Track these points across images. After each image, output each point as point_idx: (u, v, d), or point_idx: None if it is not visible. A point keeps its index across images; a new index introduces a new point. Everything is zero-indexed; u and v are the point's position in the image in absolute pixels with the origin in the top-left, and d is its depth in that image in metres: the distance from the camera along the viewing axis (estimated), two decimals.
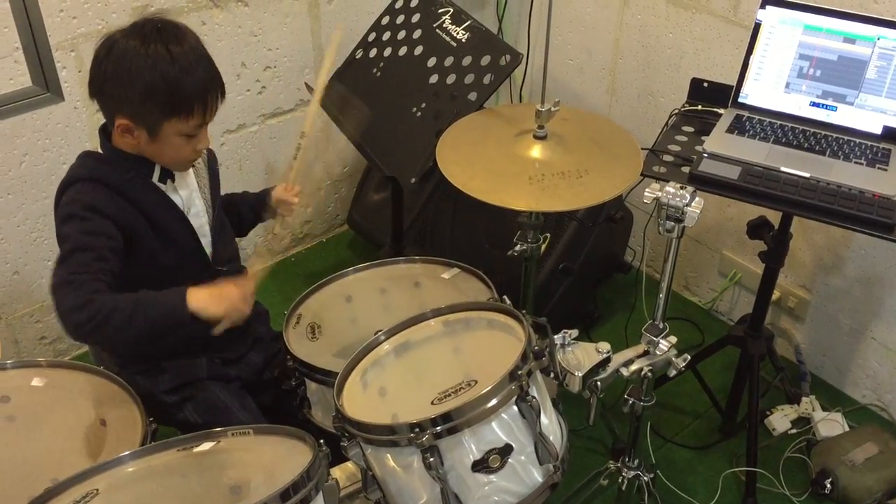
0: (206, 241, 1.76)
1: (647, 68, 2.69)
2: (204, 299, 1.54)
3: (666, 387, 2.42)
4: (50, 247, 2.42)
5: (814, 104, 1.95)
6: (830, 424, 2.37)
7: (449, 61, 2.20)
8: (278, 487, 1.19)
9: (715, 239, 2.74)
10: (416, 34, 2.30)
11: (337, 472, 1.54)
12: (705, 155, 1.88)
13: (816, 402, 2.45)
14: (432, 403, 1.40)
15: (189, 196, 1.73)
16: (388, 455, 1.37)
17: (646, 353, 1.72)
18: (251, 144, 2.77)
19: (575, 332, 1.69)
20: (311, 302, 1.91)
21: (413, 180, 2.08)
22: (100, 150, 1.67)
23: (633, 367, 1.70)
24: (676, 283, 2.89)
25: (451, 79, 2.17)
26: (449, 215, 2.66)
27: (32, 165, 2.31)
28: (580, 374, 1.64)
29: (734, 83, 2.01)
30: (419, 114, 2.17)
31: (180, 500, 1.33)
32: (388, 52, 2.33)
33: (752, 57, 1.98)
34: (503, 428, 1.35)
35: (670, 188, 1.56)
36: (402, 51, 2.30)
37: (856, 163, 1.84)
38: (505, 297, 1.62)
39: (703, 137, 1.95)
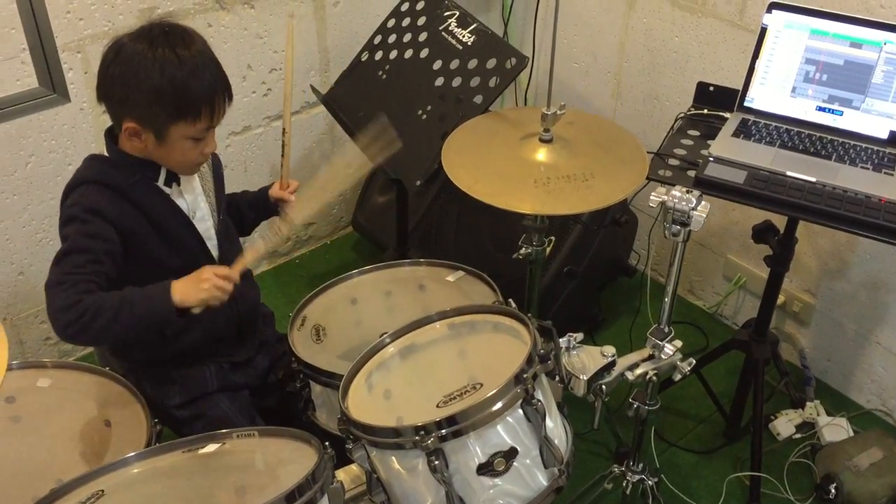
0: (211, 245, 1.76)
1: (652, 72, 2.69)
2: (184, 289, 1.55)
3: (670, 391, 2.42)
4: (55, 247, 2.38)
5: (820, 108, 1.94)
6: (835, 429, 2.36)
7: (454, 64, 2.20)
8: (283, 489, 1.19)
9: (720, 243, 2.74)
10: (422, 37, 2.30)
11: (342, 475, 1.54)
12: (711, 159, 1.88)
13: (821, 406, 2.45)
14: (437, 406, 1.40)
15: (194, 200, 1.73)
16: (393, 458, 1.37)
17: (651, 357, 1.73)
18: (256, 146, 2.77)
19: (580, 336, 1.69)
20: (316, 304, 1.91)
21: (418, 183, 2.08)
22: (106, 154, 1.68)
23: (639, 371, 1.70)
24: (681, 286, 2.89)
25: (456, 82, 2.17)
26: (453, 218, 2.66)
27: (38, 166, 2.31)
28: (585, 378, 1.64)
29: (740, 87, 2.01)
30: (425, 116, 2.17)
31: (185, 502, 1.33)
32: (393, 54, 2.33)
33: (758, 61, 1.97)
34: (508, 431, 1.34)
35: (676, 192, 1.56)
36: (408, 53, 2.31)
37: (862, 167, 1.83)
38: (510, 300, 1.62)
39: (709, 141, 1.95)
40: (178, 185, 1.69)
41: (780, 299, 2.51)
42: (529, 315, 1.52)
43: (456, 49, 2.22)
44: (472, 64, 2.17)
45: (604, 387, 1.67)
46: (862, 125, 1.91)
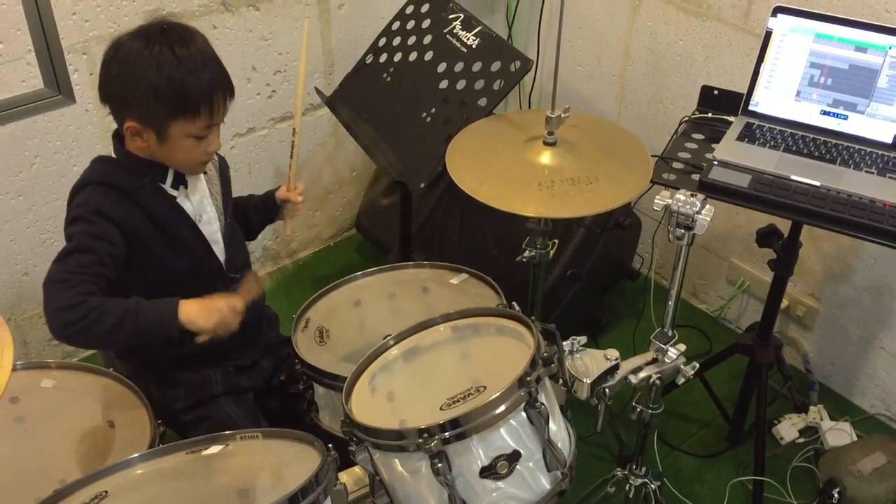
0: (217, 248, 1.76)
1: (656, 75, 2.69)
2: (194, 312, 1.54)
3: (673, 394, 2.42)
4: (59, 248, 2.41)
5: (824, 113, 1.94)
6: (838, 434, 2.36)
7: (459, 67, 2.20)
8: (287, 491, 1.20)
9: (723, 246, 2.74)
10: (427, 39, 2.30)
11: (345, 477, 1.54)
12: (715, 162, 1.88)
13: (824, 411, 2.44)
14: (441, 409, 1.40)
15: (200, 203, 1.73)
16: (397, 460, 1.37)
17: (654, 361, 1.72)
18: (260, 148, 2.77)
19: (583, 339, 1.69)
20: (320, 306, 1.91)
21: (422, 185, 2.08)
22: (113, 155, 1.68)
23: (642, 375, 1.70)
24: (684, 290, 2.87)
25: (461, 84, 2.18)
26: (457, 220, 2.66)
27: (43, 167, 2.32)
28: (588, 381, 1.64)
29: (744, 91, 2.01)
30: (429, 119, 2.17)
31: (189, 503, 1.33)
32: (398, 57, 2.33)
33: (762, 65, 1.97)
34: (511, 434, 1.35)
35: (681, 196, 1.56)
36: (413, 56, 2.31)
37: (866, 172, 1.83)
38: (514, 303, 1.62)
39: (714, 145, 1.95)
40: (186, 187, 1.69)
41: (784, 303, 2.50)
42: (533, 318, 1.52)
43: (460, 52, 2.22)
44: (477, 66, 2.18)
45: (607, 390, 1.67)
46: (867, 129, 1.91)
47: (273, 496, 1.20)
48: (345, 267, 3.02)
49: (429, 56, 2.28)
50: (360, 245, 3.14)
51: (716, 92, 2.10)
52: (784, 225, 2.07)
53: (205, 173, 1.75)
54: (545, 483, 1.39)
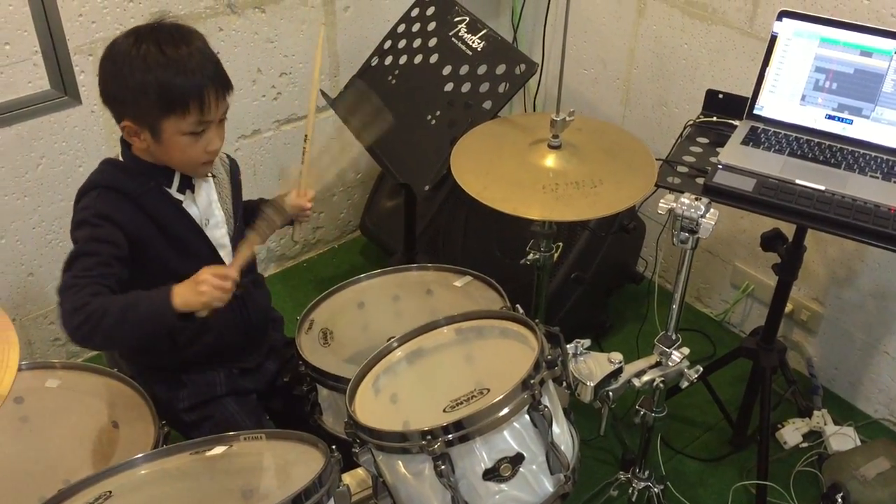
0: (224, 252, 1.75)
1: (661, 79, 2.69)
2: (184, 293, 1.53)
3: (677, 398, 2.42)
4: (65, 249, 2.42)
5: (829, 117, 1.94)
6: (842, 439, 2.35)
7: (464, 70, 2.21)
8: (290, 492, 1.20)
9: (728, 250, 2.73)
10: (432, 42, 2.31)
11: (348, 479, 1.54)
12: (720, 166, 1.88)
13: (828, 415, 2.44)
14: (444, 411, 1.40)
15: (208, 207, 1.72)
16: (400, 462, 1.37)
17: (658, 364, 1.72)
18: (265, 150, 2.78)
19: (587, 342, 1.69)
20: (324, 308, 1.91)
21: (426, 188, 2.08)
22: (120, 158, 1.68)
23: (646, 378, 1.70)
24: (688, 294, 2.88)
25: (466, 87, 2.18)
26: (461, 223, 2.66)
27: (49, 168, 2.32)
28: (592, 384, 1.64)
29: (749, 95, 2.01)
30: (434, 122, 2.18)
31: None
32: (403, 59, 2.34)
33: (767, 69, 1.97)
34: (515, 437, 1.35)
35: (685, 199, 1.56)
36: (418, 59, 2.31)
37: (871, 176, 1.83)
38: (518, 305, 1.62)
39: (718, 149, 1.95)
40: (192, 192, 1.69)
41: (788, 308, 2.50)
42: (537, 321, 1.52)
43: (465, 54, 2.23)
44: (482, 69, 2.18)
45: (610, 393, 1.67)
46: (872, 134, 1.91)
47: (276, 497, 1.20)
48: (349, 269, 3.02)
49: (434, 59, 2.28)
50: (364, 247, 3.14)
51: (720, 96, 2.10)
52: (788, 229, 2.07)
53: (213, 176, 1.75)
54: (548, 486, 1.39)
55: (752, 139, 1.95)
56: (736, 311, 2.80)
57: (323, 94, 2.52)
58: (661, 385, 1.72)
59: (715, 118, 2.09)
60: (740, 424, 2.39)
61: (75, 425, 1.63)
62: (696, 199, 1.56)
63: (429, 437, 1.30)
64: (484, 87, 2.15)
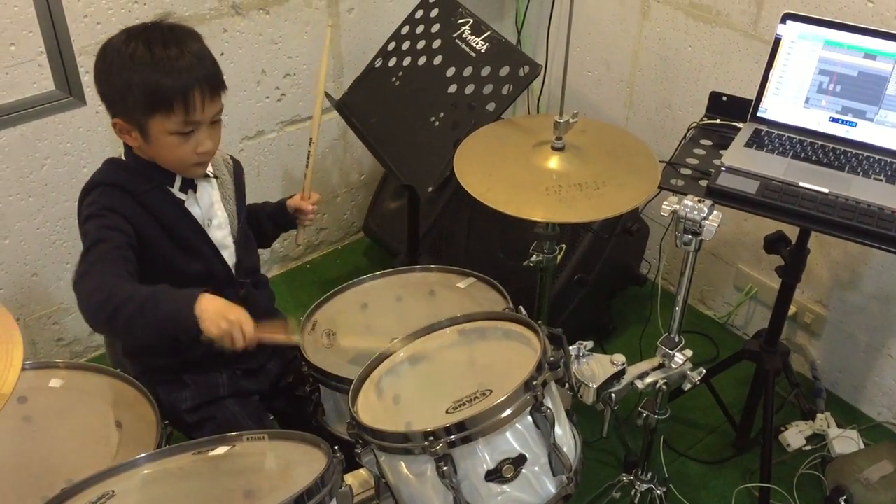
0: (227, 253, 1.75)
1: (665, 81, 2.69)
2: (209, 310, 1.47)
3: (680, 400, 2.42)
4: (69, 249, 2.44)
5: (833, 120, 1.94)
6: (845, 441, 2.35)
7: (468, 71, 2.21)
8: (292, 493, 1.20)
9: (731, 253, 2.73)
10: (436, 44, 2.31)
11: (350, 479, 1.54)
12: (723, 168, 1.88)
13: (831, 418, 2.44)
14: (447, 412, 1.40)
15: (210, 208, 1.73)
16: (402, 463, 1.37)
17: (661, 366, 1.72)
18: (269, 151, 2.78)
19: (590, 344, 1.69)
20: (327, 309, 1.91)
21: (430, 189, 2.08)
22: (123, 158, 1.69)
23: (648, 380, 1.70)
24: (692, 296, 2.88)
25: (469, 89, 2.18)
26: (464, 225, 2.66)
27: (54, 168, 2.33)
28: (595, 386, 1.64)
29: (753, 97, 2.01)
30: (437, 123, 2.18)
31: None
32: (407, 61, 2.34)
33: (771, 71, 1.97)
34: (517, 438, 1.35)
35: (688, 201, 1.56)
36: (422, 60, 2.31)
37: (875, 179, 1.83)
38: (521, 307, 1.62)
39: (722, 151, 1.95)
40: (195, 192, 1.70)
41: (792, 310, 2.50)
42: (539, 322, 1.52)
43: (469, 56, 2.23)
44: (486, 71, 2.18)
45: (613, 395, 1.67)
46: (876, 137, 1.91)
47: (279, 497, 1.20)
48: (352, 270, 3.03)
49: (438, 60, 2.28)
50: (367, 248, 3.15)
51: (724, 98, 2.10)
52: (792, 232, 2.07)
53: (216, 177, 1.75)
54: (550, 487, 1.39)
55: (756, 141, 1.95)
56: (739, 314, 2.79)
57: (327, 95, 2.52)
58: (664, 387, 1.71)
59: (718, 120, 2.09)
60: (743, 427, 2.38)
61: (78, 425, 1.63)
62: (700, 202, 1.56)
63: (431, 437, 1.30)
64: (487, 89, 2.15)
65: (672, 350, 1.71)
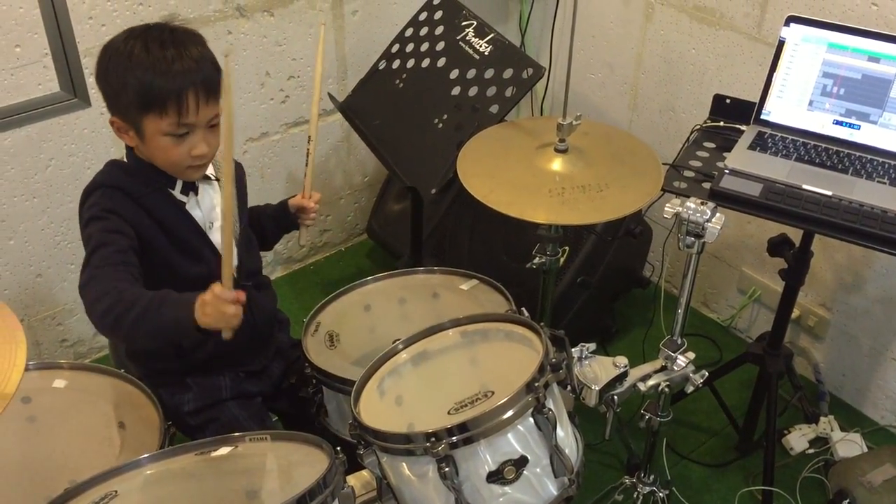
0: None
1: (669, 84, 2.69)
2: (200, 307, 1.45)
3: (682, 403, 2.41)
4: (73, 250, 2.45)
5: (837, 122, 1.94)
6: (849, 445, 2.34)
7: (471, 74, 2.21)
8: (294, 493, 1.20)
9: (735, 256, 2.73)
10: (440, 46, 2.31)
11: (352, 480, 1.54)
12: (726, 171, 1.88)
13: (835, 422, 2.43)
14: (449, 413, 1.40)
15: (211, 210, 1.73)
16: (404, 464, 1.38)
17: (663, 369, 1.72)
18: (273, 153, 2.79)
19: (592, 346, 1.69)
20: (330, 310, 1.92)
21: (433, 191, 2.09)
22: (125, 160, 1.70)
23: (651, 383, 1.70)
24: (695, 299, 2.88)
25: (473, 91, 2.18)
26: (468, 227, 2.67)
27: (58, 170, 2.34)
28: (597, 388, 1.64)
29: (757, 100, 2.01)
30: (441, 125, 2.18)
31: None
32: (410, 63, 2.35)
33: (775, 74, 1.97)
34: (519, 439, 1.35)
35: (691, 204, 1.56)
36: (425, 62, 2.32)
37: (878, 182, 1.83)
38: (523, 309, 1.62)
39: (725, 154, 1.95)
40: (196, 194, 1.70)
41: (795, 313, 2.50)
42: (542, 324, 1.52)
43: (473, 58, 2.23)
44: (489, 73, 2.18)
45: (615, 397, 1.67)
46: (879, 139, 1.90)
47: (281, 498, 1.20)
48: (356, 272, 3.03)
49: (441, 62, 2.28)
50: (371, 250, 3.15)
51: (728, 101, 2.10)
52: (795, 234, 2.06)
53: (217, 179, 1.75)
54: (552, 489, 1.39)
55: (760, 144, 1.95)
56: (743, 317, 2.79)
57: (331, 97, 2.53)
58: (667, 389, 1.72)
59: (722, 123, 2.09)
60: (746, 430, 2.38)
61: (82, 425, 1.63)
62: (702, 204, 1.56)
63: (433, 439, 1.30)
64: (491, 91, 2.15)
65: (674, 352, 1.71)
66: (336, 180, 3.02)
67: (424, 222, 2.50)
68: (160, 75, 1.53)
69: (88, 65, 2.26)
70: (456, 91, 2.21)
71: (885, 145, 1.90)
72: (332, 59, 2.77)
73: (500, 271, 2.01)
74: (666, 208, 1.58)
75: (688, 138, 2.08)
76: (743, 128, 2.03)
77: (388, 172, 2.92)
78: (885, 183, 1.82)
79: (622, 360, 1.68)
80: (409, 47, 2.37)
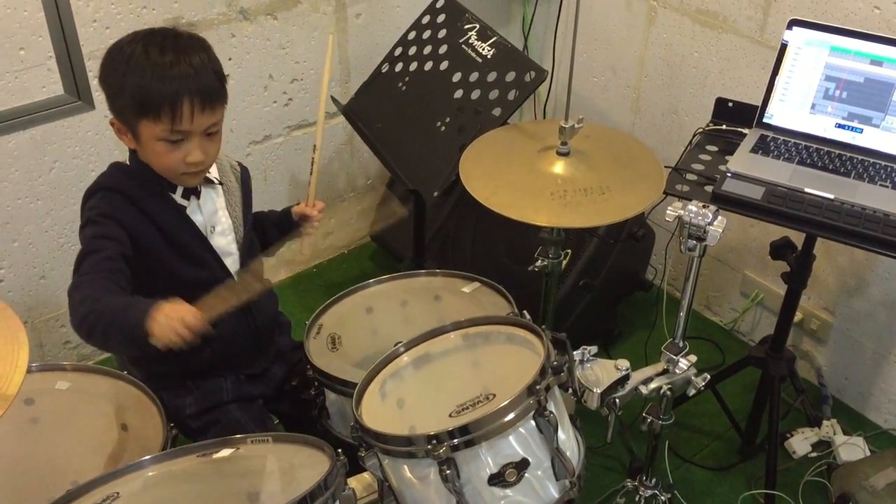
0: (230, 260, 1.75)
1: (671, 87, 2.69)
2: (156, 317, 1.41)
3: (685, 406, 2.41)
4: (76, 253, 2.45)
5: (839, 126, 1.94)
6: (851, 448, 2.34)
7: (474, 77, 2.21)
8: (296, 495, 1.20)
9: (737, 259, 2.73)
10: (442, 49, 2.32)
11: (354, 483, 1.55)
12: (729, 174, 1.88)
13: (837, 425, 2.43)
14: (450, 416, 1.40)
15: (213, 214, 1.73)
16: (405, 466, 1.38)
17: (665, 372, 1.72)
18: (276, 156, 2.79)
19: (594, 349, 1.69)
20: (332, 313, 1.92)
21: (436, 194, 2.09)
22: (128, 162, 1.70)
23: (653, 386, 1.70)
24: (698, 302, 2.88)
25: (475, 94, 2.19)
26: (470, 229, 2.67)
27: (62, 172, 2.34)
28: (598, 391, 1.64)
29: (759, 103, 2.01)
30: (443, 128, 2.19)
31: None
32: (413, 66, 2.35)
33: (777, 77, 1.97)
34: (520, 442, 1.35)
35: (693, 207, 1.56)
36: (428, 65, 2.32)
37: (881, 185, 1.83)
38: (525, 311, 1.62)
39: (727, 157, 1.95)
40: (197, 198, 1.70)
41: (798, 316, 2.49)
42: (543, 327, 1.52)
43: (475, 62, 2.24)
44: (492, 77, 2.19)
45: (617, 400, 1.67)
46: (882, 143, 1.90)
47: (282, 499, 1.21)
48: (358, 274, 3.03)
49: (444, 65, 2.29)
50: (373, 253, 3.15)
51: (730, 104, 2.10)
52: (798, 238, 2.06)
53: (221, 183, 1.75)
54: (553, 492, 1.39)
55: (762, 147, 1.95)
56: (745, 320, 2.79)
57: (334, 100, 2.53)
58: (668, 392, 1.71)
59: (724, 126, 2.09)
60: (749, 433, 2.38)
61: (84, 427, 1.64)
62: (704, 207, 1.56)
63: (434, 441, 1.30)
64: (493, 94, 2.16)
65: (676, 355, 1.71)
66: (339, 183, 3.02)
67: (427, 225, 2.50)
68: (156, 80, 1.53)
69: (92, 68, 2.26)
70: (458, 94, 2.22)
71: (888, 149, 1.90)
72: (336, 62, 2.77)
73: (503, 274, 2.01)
74: (668, 211, 1.58)
75: (690, 141, 2.08)
76: (745, 131, 2.03)
77: (390, 175, 2.93)
78: (887, 186, 1.82)
79: (624, 363, 1.68)
80: (412, 50, 2.38)
